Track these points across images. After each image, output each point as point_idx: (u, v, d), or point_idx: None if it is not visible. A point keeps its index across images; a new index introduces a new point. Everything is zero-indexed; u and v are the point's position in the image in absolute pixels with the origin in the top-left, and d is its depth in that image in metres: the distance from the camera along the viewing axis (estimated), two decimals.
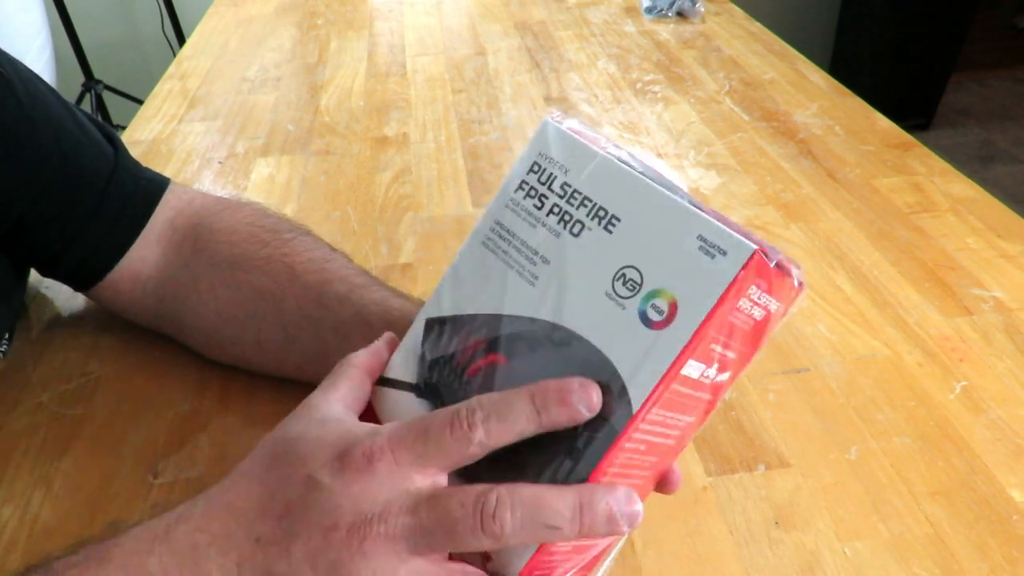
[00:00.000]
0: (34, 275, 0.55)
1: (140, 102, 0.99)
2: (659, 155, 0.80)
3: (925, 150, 0.78)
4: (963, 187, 0.72)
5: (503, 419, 0.27)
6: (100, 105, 1.99)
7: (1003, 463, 0.45)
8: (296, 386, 0.52)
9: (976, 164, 2.30)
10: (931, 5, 2.22)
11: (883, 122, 0.84)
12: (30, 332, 0.57)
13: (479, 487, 0.27)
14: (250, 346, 0.49)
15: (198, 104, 0.94)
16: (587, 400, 0.27)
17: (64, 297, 0.60)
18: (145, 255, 0.51)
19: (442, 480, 0.28)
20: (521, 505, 0.26)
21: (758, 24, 1.15)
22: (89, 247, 0.50)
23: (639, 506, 0.28)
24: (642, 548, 0.41)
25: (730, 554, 0.41)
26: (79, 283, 0.52)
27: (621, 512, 0.27)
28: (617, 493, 0.27)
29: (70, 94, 1.93)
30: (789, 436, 0.48)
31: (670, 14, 1.18)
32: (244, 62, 1.07)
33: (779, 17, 2.35)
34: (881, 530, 0.42)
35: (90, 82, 1.99)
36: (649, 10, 1.19)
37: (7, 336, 0.54)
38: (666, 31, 1.13)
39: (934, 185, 0.72)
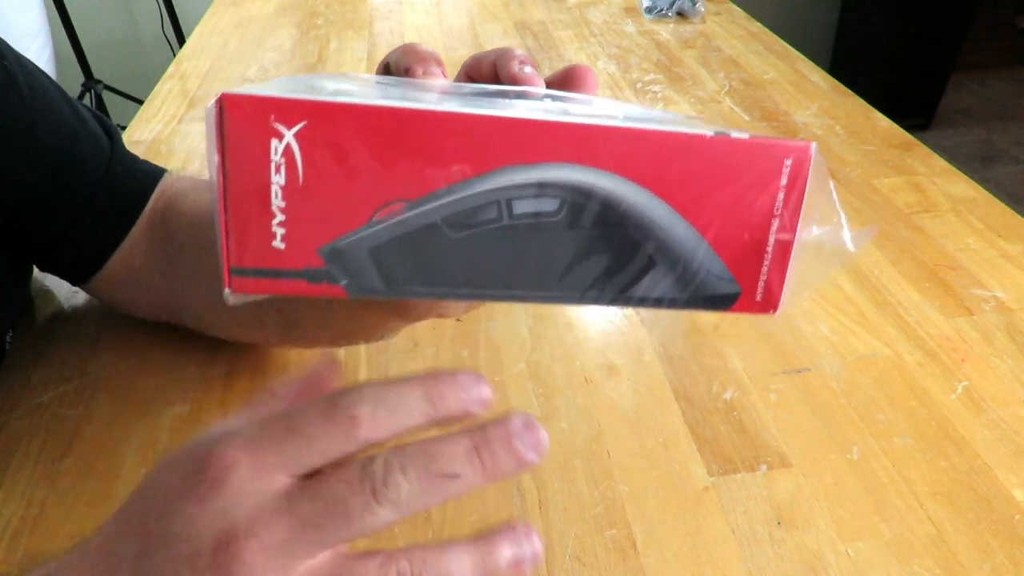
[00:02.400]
0: (36, 274, 0.55)
1: (140, 102, 0.98)
2: None
3: (925, 150, 0.78)
4: (963, 187, 0.72)
5: (394, 413, 0.24)
6: (100, 105, 1.99)
7: (1004, 463, 0.45)
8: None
9: (976, 164, 2.30)
10: (931, 5, 2.22)
11: (883, 122, 0.84)
12: (30, 332, 0.57)
13: (358, 459, 0.24)
14: (233, 326, 0.49)
15: (198, 104, 0.94)
16: (480, 400, 0.25)
17: (64, 297, 0.60)
18: (137, 244, 0.51)
19: None
20: (411, 461, 0.23)
21: (758, 24, 1.15)
22: (84, 238, 0.50)
23: (541, 433, 0.25)
24: (643, 548, 0.41)
25: (732, 554, 0.41)
26: (76, 276, 0.52)
27: (522, 441, 0.24)
28: (511, 423, 0.24)
29: (70, 94, 1.92)
30: (790, 436, 0.48)
31: (670, 14, 1.18)
32: (244, 62, 1.07)
33: (779, 17, 2.35)
34: (883, 530, 0.42)
35: (90, 82, 1.99)
36: (649, 10, 1.19)
37: (9, 335, 0.54)
38: (666, 31, 1.13)
39: (934, 185, 0.72)
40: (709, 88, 0.94)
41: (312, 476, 0.24)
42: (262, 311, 0.46)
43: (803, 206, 0.26)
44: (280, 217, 0.24)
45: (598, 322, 0.57)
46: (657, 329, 0.56)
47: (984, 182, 0.72)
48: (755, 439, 0.47)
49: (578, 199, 0.25)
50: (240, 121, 0.23)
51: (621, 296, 0.26)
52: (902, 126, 0.83)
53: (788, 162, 0.26)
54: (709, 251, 0.26)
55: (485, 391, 0.25)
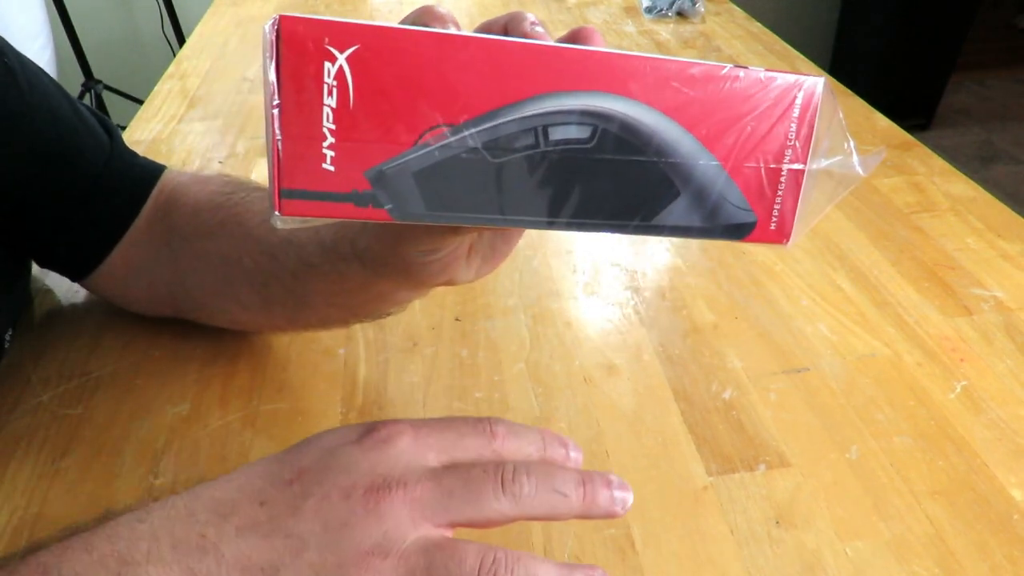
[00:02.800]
0: (35, 273, 0.55)
1: (140, 102, 0.98)
2: None
3: (925, 150, 0.78)
4: (963, 187, 0.72)
5: (518, 437, 0.31)
6: (100, 105, 1.99)
7: (1003, 463, 0.45)
8: (296, 385, 0.52)
9: (976, 164, 2.30)
10: (931, 5, 2.22)
11: (883, 122, 0.84)
12: (30, 331, 0.57)
13: (493, 461, 0.30)
14: (238, 310, 0.49)
15: (198, 104, 0.94)
16: (578, 459, 0.34)
17: (64, 296, 0.61)
18: (137, 241, 0.51)
19: None
20: (535, 471, 0.29)
21: (758, 24, 1.15)
22: (85, 233, 0.50)
23: (630, 496, 0.31)
24: (642, 548, 0.41)
25: (731, 554, 0.41)
26: (77, 271, 0.52)
27: (619, 491, 0.31)
28: (612, 476, 0.31)
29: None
30: (789, 436, 0.48)
31: (670, 14, 1.18)
32: (244, 62, 1.07)
33: (779, 17, 2.35)
34: (882, 529, 0.42)
35: (90, 82, 1.99)
36: (649, 10, 1.19)
37: (8, 333, 0.54)
38: (666, 31, 1.13)
39: (934, 185, 0.72)
40: None
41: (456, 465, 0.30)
42: (268, 291, 0.46)
43: (813, 137, 0.28)
44: (330, 140, 0.24)
45: (597, 321, 0.57)
46: (656, 329, 0.56)
47: (984, 182, 0.72)
48: (754, 439, 0.47)
49: (609, 127, 0.26)
50: (296, 42, 0.23)
51: (645, 224, 0.27)
52: (902, 126, 0.83)
53: (799, 95, 0.27)
54: (728, 181, 0.27)
55: (580, 456, 0.33)
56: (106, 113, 2.05)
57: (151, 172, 0.53)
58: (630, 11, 1.21)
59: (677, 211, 0.27)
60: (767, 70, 0.27)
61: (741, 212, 0.28)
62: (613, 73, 0.26)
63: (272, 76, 0.24)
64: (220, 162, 0.80)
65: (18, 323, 0.57)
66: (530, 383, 0.52)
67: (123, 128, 0.81)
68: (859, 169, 0.29)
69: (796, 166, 0.28)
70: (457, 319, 0.57)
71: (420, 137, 0.25)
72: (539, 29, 0.30)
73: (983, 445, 0.46)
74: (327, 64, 0.24)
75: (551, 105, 0.25)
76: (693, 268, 0.63)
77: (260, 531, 0.27)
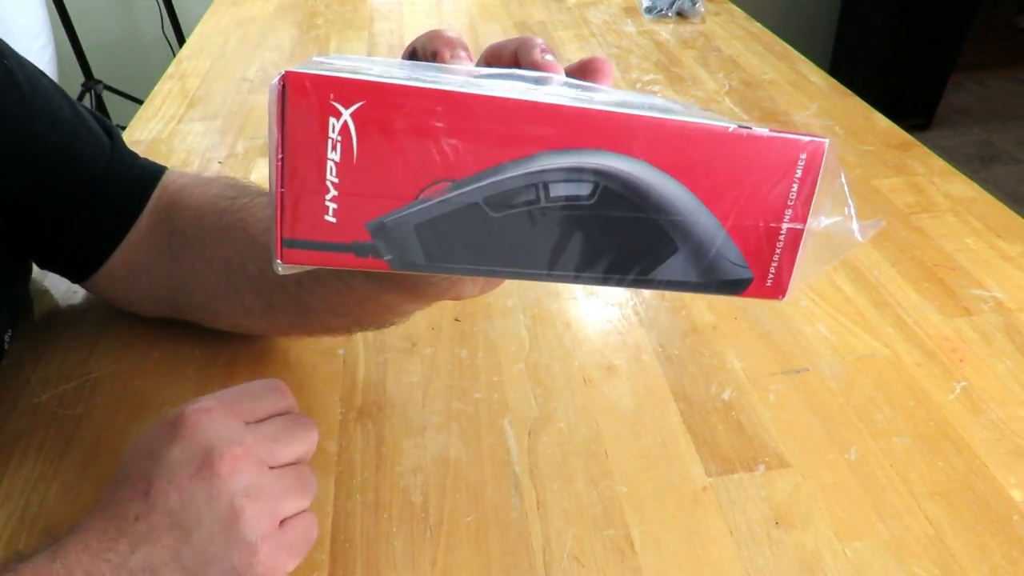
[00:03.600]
0: (34, 274, 0.55)
1: (140, 102, 0.98)
2: None
3: (925, 150, 0.78)
4: (963, 187, 0.72)
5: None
6: (100, 105, 1.99)
7: (1003, 463, 0.45)
8: (296, 385, 0.52)
9: (976, 164, 2.30)
10: (931, 5, 2.22)
11: (883, 122, 0.84)
12: (29, 332, 0.57)
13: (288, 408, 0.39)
14: (241, 315, 0.49)
15: (198, 104, 0.94)
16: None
17: (64, 297, 0.61)
18: (138, 241, 0.51)
19: None
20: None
21: (758, 24, 1.15)
22: (86, 235, 0.50)
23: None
24: (641, 548, 0.41)
25: (730, 554, 0.41)
26: (78, 273, 0.52)
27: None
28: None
29: (70, 94, 1.92)
30: (789, 436, 0.48)
31: (670, 14, 1.18)
32: (244, 62, 1.07)
33: (779, 17, 2.35)
34: (881, 530, 0.42)
35: (90, 82, 1.99)
36: (649, 10, 1.19)
37: (8, 334, 0.54)
38: (666, 31, 1.13)
39: (934, 185, 0.72)
40: (709, 88, 0.94)
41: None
42: (273, 297, 0.46)
43: (815, 198, 0.28)
44: (333, 192, 0.25)
45: (596, 322, 0.57)
46: (656, 329, 0.56)
47: (983, 182, 0.72)
48: (753, 439, 0.47)
49: (610, 184, 0.26)
50: (302, 99, 0.24)
51: (642, 279, 0.28)
52: (902, 126, 0.83)
53: (803, 156, 0.27)
54: (727, 238, 0.27)
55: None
56: (106, 113, 2.05)
57: (152, 173, 0.53)
58: (630, 11, 1.21)
59: (674, 266, 0.28)
60: (772, 129, 0.27)
61: (738, 269, 0.28)
62: (616, 132, 0.26)
63: (277, 129, 0.24)
64: (220, 162, 0.80)
65: (18, 324, 0.57)
66: (529, 383, 0.51)
67: (123, 128, 0.81)
68: (858, 235, 0.29)
69: (796, 225, 0.28)
70: (456, 319, 0.57)
71: (422, 191, 0.25)
72: (549, 58, 0.30)
73: (983, 446, 0.46)
74: (332, 120, 0.24)
75: (553, 163, 0.26)
76: None
77: (148, 540, 0.32)
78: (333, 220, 0.25)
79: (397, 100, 0.24)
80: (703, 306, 0.58)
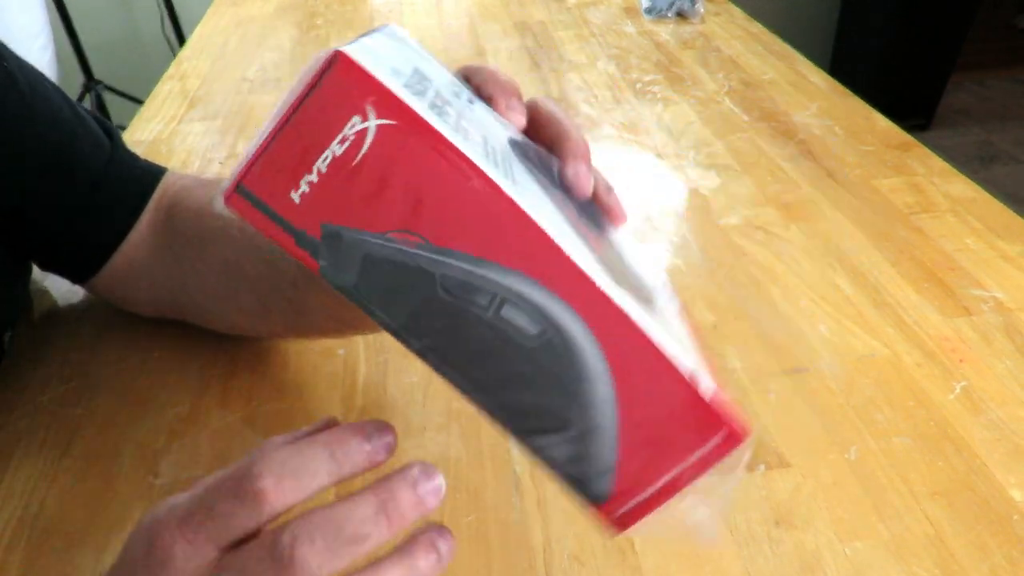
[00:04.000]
0: (34, 274, 0.55)
1: (140, 102, 0.99)
2: (659, 155, 0.80)
3: (925, 150, 0.78)
4: (963, 187, 0.72)
5: (299, 479, 0.25)
6: (100, 105, 1.99)
7: (1003, 463, 0.45)
8: (296, 385, 0.52)
9: (976, 164, 2.30)
10: (931, 5, 2.22)
11: (883, 122, 0.84)
12: (30, 332, 0.57)
13: (270, 531, 0.25)
14: (237, 315, 0.50)
15: (198, 104, 0.94)
16: (387, 447, 0.27)
17: (64, 297, 0.61)
18: (139, 242, 0.51)
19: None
20: (319, 531, 0.24)
21: (758, 24, 1.15)
22: (86, 236, 0.50)
23: (439, 479, 0.26)
24: (642, 548, 0.41)
25: (730, 554, 0.41)
26: (78, 274, 0.52)
27: (424, 491, 0.26)
28: (411, 472, 0.26)
29: (70, 94, 1.92)
30: (789, 436, 0.48)
31: (670, 14, 1.18)
32: (244, 62, 1.07)
33: (779, 17, 2.35)
34: (881, 530, 0.42)
35: (90, 82, 1.99)
36: (649, 10, 1.19)
37: (8, 334, 0.54)
38: (666, 31, 1.13)
39: (934, 185, 0.72)
40: (708, 88, 0.94)
41: (239, 545, 0.25)
42: (269, 299, 0.46)
43: (706, 474, 0.27)
44: (312, 177, 0.24)
45: None
46: None
47: (983, 182, 0.72)
48: (753, 439, 0.47)
49: (557, 341, 0.25)
50: (340, 83, 0.23)
51: (519, 432, 0.27)
52: (902, 126, 0.83)
53: (719, 437, 0.27)
54: (614, 452, 0.27)
55: (389, 437, 0.27)
56: (106, 113, 2.06)
57: (152, 174, 0.53)
58: (630, 11, 1.21)
59: (553, 442, 0.27)
60: (715, 395, 0.26)
61: (603, 483, 0.27)
62: (593, 303, 0.25)
63: (300, 92, 0.23)
64: (220, 162, 0.80)
65: (18, 324, 0.57)
66: None
67: (123, 128, 0.81)
68: (709, 531, 0.29)
69: (674, 482, 0.27)
70: None
71: (393, 231, 0.25)
72: (582, 179, 0.31)
73: (983, 446, 0.47)
74: (356, 118, 0.23)
75: (524, 289, 0.25)
76: (693, 269, 0.63)
77: None
78: (296, 200, 0.24)
79: (428, 142, 0.24)
80: (703, 305, 0.58)
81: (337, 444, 0.26)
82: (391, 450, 0.27)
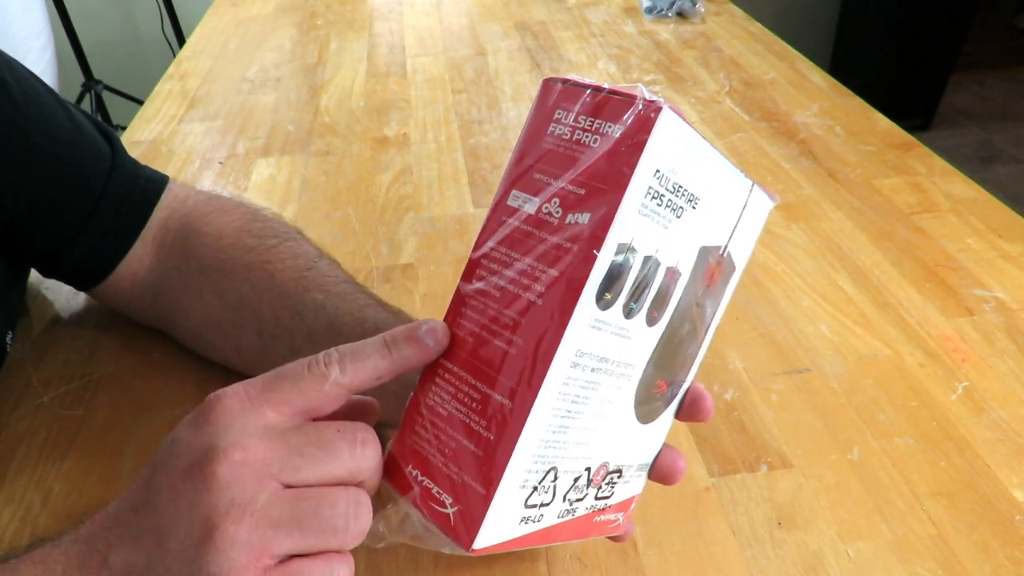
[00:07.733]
0: (34, 276, 0.55)
1: (140, 102, 0.98)
2: None
3: (925, 150, 0.78)
4: (963, 187, 0.72)
5: (357, 358, 0.29)
6: (100, 105, 1.99)
7: (1005, 463, 0.45)
8: None
9: (976, 164, 2.30)
10: (931, 5, 2.22)
11: (883, 122, 0.84)
12: (31, 333, 0.57)
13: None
14: (230, 352, 0.49)
15: (198, 104, 0.94)
16: (432, 335, 0.30)
17: (64, 298, 0.60)
18: (142, 254, 0.51)
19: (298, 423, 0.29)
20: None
21: (758, 24, 1.15)
22: (89, 247, 0.49)
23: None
24: (644, 549, 0.41)
25: (733, 554, 0.41)
26: (81, 283, 0.52)
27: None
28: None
29: (70, 94, 1.92)
30: (791, 436, 0.47)
31: (670, 14, 1.18)
32: (244, 62, 1.07)
33: (779, 17, 2.35)
34: (883, 530, 0.42)
35: (90, 82, 1.99)
36: (649, 10, 1.19)
37: (9, 336, 0.54)
38: (666, 31, 1.13)
39: (935, 185, 0.72)
40: (709, 88, 0.94)
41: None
42: (274, 344, 0.46)
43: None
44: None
45: None
46: None
47: (984, 182, 0.72)
48: (756, 439, 0.47)
49: None
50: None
51: None
52: (902, 126, 0.83)
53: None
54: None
55: (437, 332, 0.30)
56: (106, 113, 2.05)
57: (156, 184, 0.52)
58: (630, 11, 1.21)
59: None
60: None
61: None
62: None
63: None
64: (220, 163, 0.80)
65: (19, 325, 0.56)
66: None
67: (123, 129, 0.81)
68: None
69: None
70: None
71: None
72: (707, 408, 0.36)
73: (985, 446, 0.46)
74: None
75: None
76: None
77: (132, 535, 0.28)
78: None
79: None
80: None
81: (391, 336, 0.30)
82: (438, 342, 0.30)
